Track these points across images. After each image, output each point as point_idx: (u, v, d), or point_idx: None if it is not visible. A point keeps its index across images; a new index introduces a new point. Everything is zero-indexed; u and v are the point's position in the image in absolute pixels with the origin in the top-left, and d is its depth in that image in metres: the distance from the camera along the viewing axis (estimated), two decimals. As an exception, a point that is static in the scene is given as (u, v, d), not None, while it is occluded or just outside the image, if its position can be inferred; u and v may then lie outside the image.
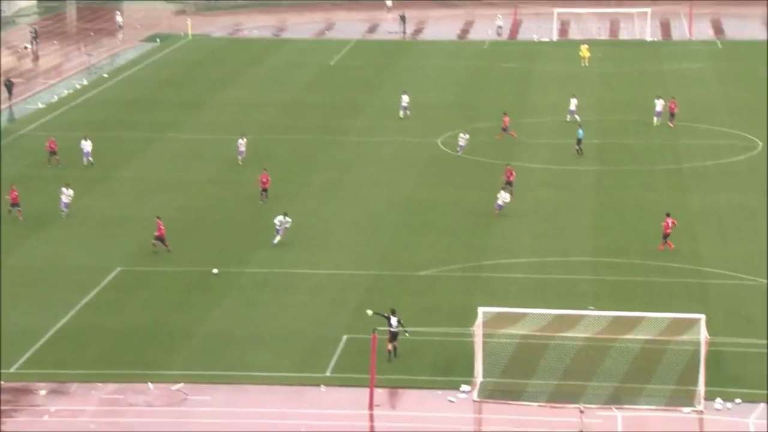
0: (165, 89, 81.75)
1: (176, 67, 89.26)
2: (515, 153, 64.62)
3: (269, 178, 56.00)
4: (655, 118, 69.83)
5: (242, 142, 62.34)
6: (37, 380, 38.02)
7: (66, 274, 47.16)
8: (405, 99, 72.53)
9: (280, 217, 49.84)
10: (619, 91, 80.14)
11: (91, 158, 62.75)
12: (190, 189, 59.05)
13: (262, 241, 50.88)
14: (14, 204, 53.44)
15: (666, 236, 48.96)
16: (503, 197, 53.49)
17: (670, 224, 48.96)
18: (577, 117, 70.07)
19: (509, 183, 56.26)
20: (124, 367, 39.02)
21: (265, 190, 55.86)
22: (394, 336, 38.89)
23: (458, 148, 63.66)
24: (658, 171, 61.77)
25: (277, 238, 49.47)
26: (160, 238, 49.08)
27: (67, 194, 53.67)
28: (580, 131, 63.72)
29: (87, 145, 62.96)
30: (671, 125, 69.06)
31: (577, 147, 63.36)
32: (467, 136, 63.97)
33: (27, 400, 36.80)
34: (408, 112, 72.06)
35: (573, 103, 71.08)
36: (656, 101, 70.15)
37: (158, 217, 49.70)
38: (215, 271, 46.50)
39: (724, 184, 59.16)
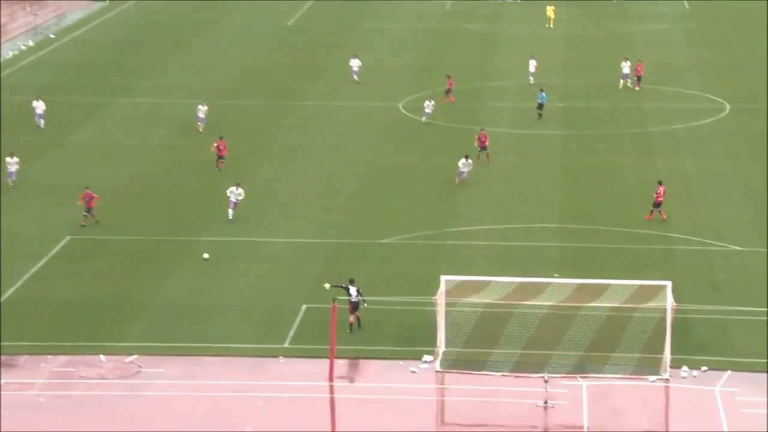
0: (116, 52, 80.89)
1: (127, 29, 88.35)
2: (479, 117, 64.63)
3: (226, 146, 55.59)
4: (621, 81, 70.05)
5: (202, 109, 61.42)
6: (-15, 353, 37.76)
7: (13, 242, 46.67)
8: (355, 63, 71.63)
9: (233, 188, 48.85)
10: (584, 53, 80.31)
11: (43, 120, 62.04)
12: (143, 155, 58.60)
13: (218, 209, 50.63)
14: None
15: (658, 205, 48.56)
16: (466, 164, 53.30)
17: (662, 192, 48.52)
18: (531, 79, 69.86)
19: (484, 148, 56.01)
20: (75, 339, 38.77)
21: (221, 157, 55.40)
22: (354, 307, 38.89)
23: (423, 115, 63.15)
24: (625, 135, 62.08)
25: (231, 213, 48.40)
26: (89, 209, 48.22)
27: (12, 163, 52.98)
28: (542, 95, 63.60)
29: (39, 106, 62.26)
30: (637, 88, 69.27)
31: (538, 111, 63.30)
32: (432, 102, 63.43)
33: (-26, 374, 36.54)
34: (356, 77, 70.95)
35: (532, 65, 70.98)
36: (623, 63, 70.32)
37: (87, 188, 48.85)
38: (206, 255, 44.69)
39: (691, 148, 59.56)
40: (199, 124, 61.19)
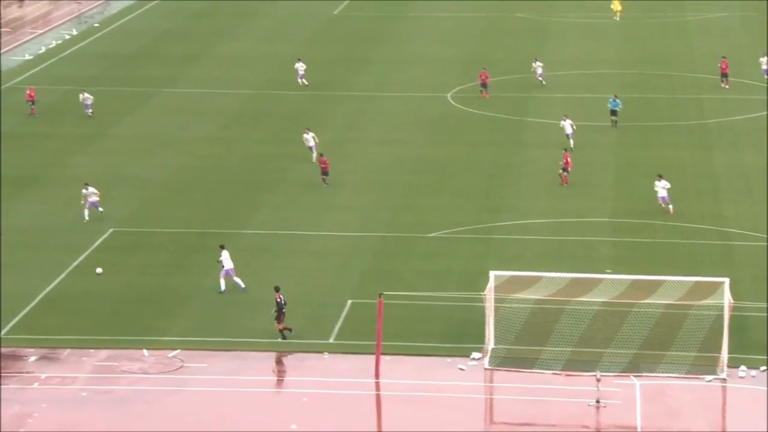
0: (160, 41, 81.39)
1: (171, 18, 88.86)
2: (530, 108, 64.33)
3: (327, 162, 52.48)
4: (765, 76, 68.22)
5: (308, 137, 55.65)
6: (27, 346, 38.12)
7: (56, 235, 47.09)
8: (301, 67, 68.43)
9: (225, 252, 41.76)
10: (640, 44, 79.63)
11: (91, 110, 62.44)
12: (188, 147, 58.91)
13: (263, 201, 50.85)
14: None
15: None
16: (663, 184, 48.43)
17: None
18: (543, 81, 67.45)
19: (566, 169, 52.23)
20: (117, 333, 39.08)
21: (325, 173, 52.27)
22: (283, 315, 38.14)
23: (567, 136, 56.44)
24: (681, 127, 61.49)
25: (223, 284, 41.62)
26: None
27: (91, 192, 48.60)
28: (615, 101, 60.40)
29: (88, 98, 62.61)
30: (725, 86, 67.62)
31: (612, 118, 60.31)
32: (570, 120, 56.96)
33: (16, 367, 36.92)
34: (304, 80, 67.99)
35: (539, 67, 67.92)
36: (761, 59, 68.82)
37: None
38: (99, 270, 42.80)
39: (750, 141, 58.81)
40: (312, 153, 55.09)
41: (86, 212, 47.97)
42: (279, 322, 38.33)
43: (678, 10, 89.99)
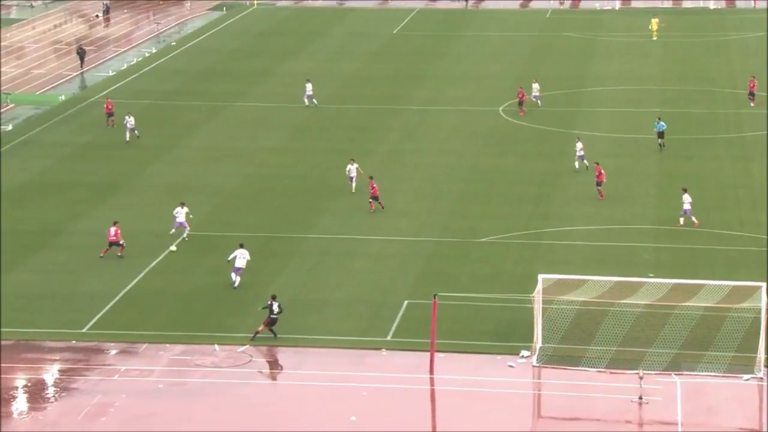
0: (231, 58, 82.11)
1: (242, 37, 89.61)
2: (577, 122, 64.01)
3: (376, 186, 50.28)
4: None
5: (352, 168, 53.01)
6: (108, 340, 38.65)
7: (134, 238, 47.60)
8: (309, 87, 67.41)
9: (241, 251, 41.98)
10: (681, 61, 78.93)
11: (131, 133, 61.24)
12: (257, 157, 59.34)
13: (325, 207, 51.08)
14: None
15: None
16: (687, 199, 47.70)
17: None
18: (539, 102, 65.88)
19: (599, 183, 50.95)
20: (191, 329, 39.45)
21: (375, 197, 50.13)
22: (273, 321, 37.88)
23: (578, 158, 54.43)
24: (720, 140, 60.83)
25: (237, 280, 42.04)
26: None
27: (182, 212, 47.55)
28: (660, 124, 58.48)
29: (130, 121, 61.49)
30: (752, 104, 66.84)
31: (660, 141, 58.57)
32: (581, 144, 54.79)
33: (98, 359, 37.44)
34: (315, 100, 67.16)
35: (535, 89, 66.22)
36: None
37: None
38: (173, 248, 45.41)
39: (787, 153, 58.07)
40: (352, 184, 52.45)
41: (175, 228, 47.23)
42: (264, 324, 37.94)
43: (719, 29, 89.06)
